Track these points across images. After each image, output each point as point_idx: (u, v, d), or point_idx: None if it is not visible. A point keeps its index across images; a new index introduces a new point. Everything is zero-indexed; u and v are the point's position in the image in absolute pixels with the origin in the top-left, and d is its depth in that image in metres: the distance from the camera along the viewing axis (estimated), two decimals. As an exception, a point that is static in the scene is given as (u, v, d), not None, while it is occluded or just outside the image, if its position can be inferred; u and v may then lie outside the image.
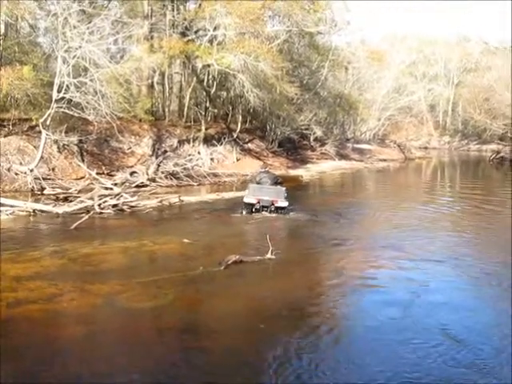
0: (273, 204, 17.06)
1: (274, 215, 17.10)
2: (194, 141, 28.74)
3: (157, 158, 25.84)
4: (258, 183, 17.99)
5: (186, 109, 31.15)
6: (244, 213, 17.23)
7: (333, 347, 7.88)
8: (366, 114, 48.31)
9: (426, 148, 59.38)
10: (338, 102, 42.67)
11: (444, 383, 6.85)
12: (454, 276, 11.60)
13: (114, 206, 17.12)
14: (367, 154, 44.82)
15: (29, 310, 8.58)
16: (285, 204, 17.14)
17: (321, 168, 35.33)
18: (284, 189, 17.66)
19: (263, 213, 17.12)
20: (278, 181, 18.24)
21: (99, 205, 16.66)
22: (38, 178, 20.34)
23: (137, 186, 21.67)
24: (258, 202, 17.07)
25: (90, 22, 21.70)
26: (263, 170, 19.39)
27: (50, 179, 21.09)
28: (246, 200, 17.24)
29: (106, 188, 19.84)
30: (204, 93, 31.49)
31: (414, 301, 9.74)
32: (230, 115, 34.16)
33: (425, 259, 12.58)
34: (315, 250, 13.76)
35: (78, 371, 6.81)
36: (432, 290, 10.48)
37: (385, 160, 43.59)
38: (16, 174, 20.57)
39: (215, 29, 26.89)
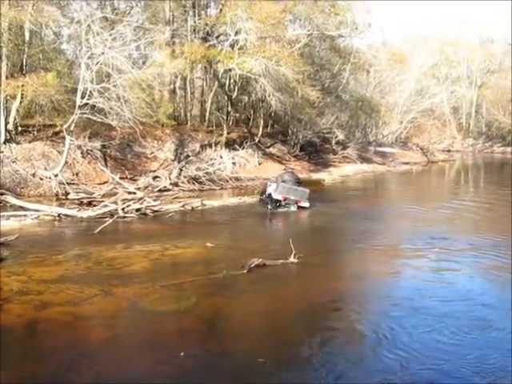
0: (296, 203, 19.07)
1: (294, 220, 18.31)
2: (215, 145, 28.83)
3: (179, 162, 25.92)
4: (283, 181, 19.57)
5: (207, 113, 31.36)
6: (269, 207, 18.95)
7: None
8: (388, 116, 47.98)
9: (449, 151, 58.64)
10: (360, 105, 42.42)
11: None
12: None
13: (138, 210, 17.28)
14: (389, 157, 44.41)
15: (54, 313, 8.68)
16: (306, 205, 19.19)
17: (343, 171, 35.14)
18: (308, 191, 19.48)
19: (285, 209, 18.99)
20: (299, 181, 20.32)
21: (123, 209, 16.82)
22: (63, 183, 20.59)
23: (159, 191, 21.83)
24: (285, 200, 18.93)
25: (112, 29, 21.99)
26: (288, 170, 21.52)
27: (74, 184, 21.32)
28: (274, 196, 19.07)
29: (129, 192, 19.99)
30: (225, 97, 31.53)
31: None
32: (251, 119, 34.17)
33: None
34: (338, 253, 13.74)
35: (102, 373, 6.87)
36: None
37: (407, 163, 43.17)
38: (41, 179, 20.84)
39: (236, 33, 26.98)
